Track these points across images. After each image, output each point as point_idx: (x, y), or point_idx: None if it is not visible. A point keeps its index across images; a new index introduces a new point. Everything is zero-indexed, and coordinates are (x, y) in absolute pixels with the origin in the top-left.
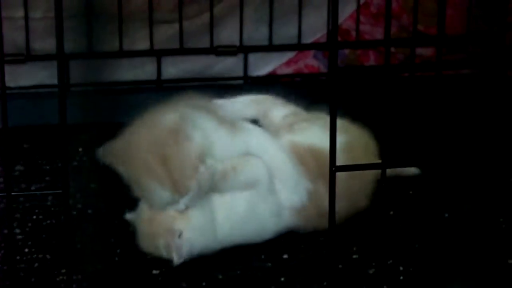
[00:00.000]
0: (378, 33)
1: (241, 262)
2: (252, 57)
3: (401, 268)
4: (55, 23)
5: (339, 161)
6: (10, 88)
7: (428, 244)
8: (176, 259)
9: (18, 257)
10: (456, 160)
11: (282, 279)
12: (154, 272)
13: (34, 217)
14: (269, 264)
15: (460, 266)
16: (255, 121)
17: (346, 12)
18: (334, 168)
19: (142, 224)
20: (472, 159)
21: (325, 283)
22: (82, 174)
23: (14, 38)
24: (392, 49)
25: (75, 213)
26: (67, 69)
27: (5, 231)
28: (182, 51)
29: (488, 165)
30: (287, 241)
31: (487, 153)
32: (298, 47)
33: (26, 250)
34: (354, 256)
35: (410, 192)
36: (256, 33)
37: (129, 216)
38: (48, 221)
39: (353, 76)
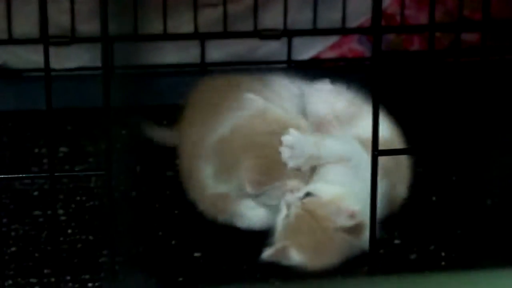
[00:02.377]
0: (423, 18)
1: None
2: (296, 41)
3: (443, 254)
4: (99, 5)
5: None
6: (54, 70)
7: (470, 230)
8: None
9: (61, 238)
10: (497, 147)
11: None
12: (196, 254)
13: (78, 198)
14: None
15: (503, 252)
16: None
17: None
18: (376, 152)
19: (296, 219)
20: None
21: (366, 268)
22: (126, 157)
23: (59, 20)
24: (437, 34)
25: (118, 195)
26: (111, 52)
27: (49, 212)
28: (226, 34)
29: None
30: None
31: None
32: (342, 31)
33: (69, 231)
34: (396, 242)
35: (453, 178)
36: (300, 17)
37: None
38: (91, 203)
39: (397, 61)
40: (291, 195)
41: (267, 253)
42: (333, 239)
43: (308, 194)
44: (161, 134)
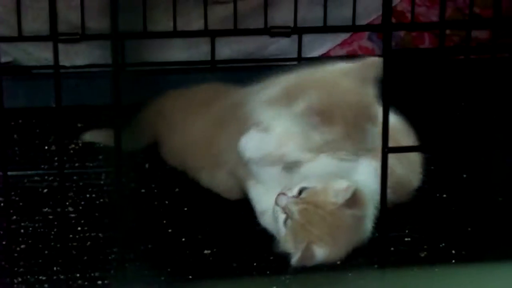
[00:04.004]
0: (433, 15)
1: None
2: (306, 38)
3: (453, 252)
4: (109, 2)
5: None
6: (64, 67)
7: (481, 228)
8: None
9: (70, 235)
10: (507, 144)
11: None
12: (206, 252)
13: (87, 195)
14: None
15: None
16: None
17: None
18: (386, 150)
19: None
20: None
21: (376, 266)
22: (136, 154)
23: (69, 17)
24: (448, 32)
25: (128, 192)
26: (122, 49)
27: (58, 209)
28: (236, 31)
29: None
30: None
31: None
32: (352, 28)
33: (79, 228)
34: (406, 239)
35: (464, 175)
36: (311, 14)
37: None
38: (101, 200)
39: (407, 58)
40: (283, 197)
41: (295, 259)
42: (342, 219)
43: (302, 189)
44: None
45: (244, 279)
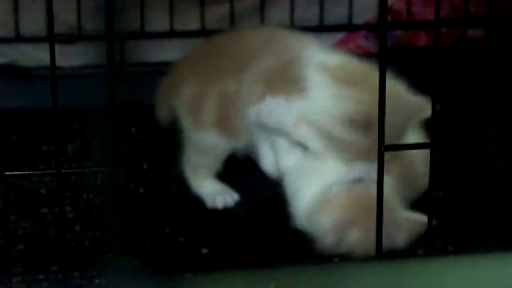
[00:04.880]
0: (429, 14)
1: (291, 241)
2: None
3: (450, 249)
4: (105, 3)
5: None
6: (60, 68)
7: (478, 226)
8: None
9: (68, 235)
10: (504, 141)
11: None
12: (203, 251)
13: (85, 196)
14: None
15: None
16: None
17: None
18: (382, 148)
19: None
20: None
21: (373, 260)
22: (135, 154)
23: (66, 18)
24: (444, 30)
25: (126, 192)
26: (120, 49)
27: (56, 210)
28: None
29: None
30: None
31: None
32: (348, 27)
33: (77, 228)
34: None
35: (461, 174)
36: (307, 14)
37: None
38: (99, 200)
39: (403, 57)
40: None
41: (329, 224)
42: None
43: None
44: None
45: (243, 275)
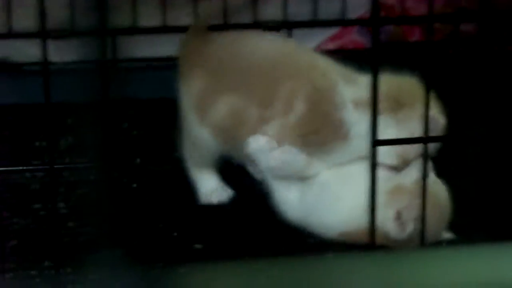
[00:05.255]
0: (422, 9)
1: (285, 236)
2: (296, 33)
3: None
4: None
5: None
6: (53, 63)
7: (472, 218)
8: None
9: (62, 231)
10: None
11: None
12: (197, 246)
13: (78, 191)
14: (312, 241)
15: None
16: None
17: None
18: (374, 143)
19: None
20: None
21: (365, 251)
22: (127, 149)
23: (58, 13)
24: (437, 25)
25: (119, 187)
26: (114, 45)
27: (49, 205)
28: (226, 26)
29: None
30: None
31: None
32: (342, 22)
33: (70, 224)
34: None
35: (452, 168)
36: (301, 8)
37: None
38: (92, 196)
39: (396, 52)
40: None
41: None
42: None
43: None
44: None
45: (236, 268)
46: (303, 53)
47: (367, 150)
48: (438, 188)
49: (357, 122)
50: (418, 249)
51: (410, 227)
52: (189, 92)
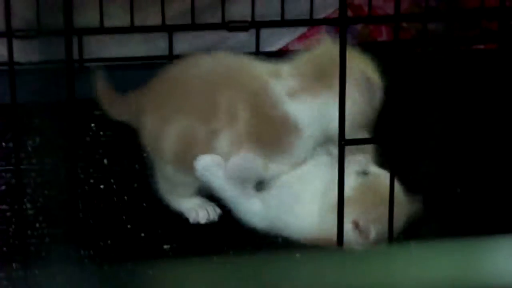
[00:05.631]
0: (390, 9)
1: (254, 237)
2: (264, 33)
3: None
4: None
5: None
6: (19, 63)
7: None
8: None
9: (29, 232)
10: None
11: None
12: (165, 247)
13: (45, 192)
14: (280, 240)
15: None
16: None
17: None
18: (343, 142)
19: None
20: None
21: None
22: (95, 150)
23: (24, 13)
24: (405, 25)
25: (87, 188)
26: (80, 45)
27: (16, 206)
28: (194, 26)
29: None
30: None
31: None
32: (310, 22)
33: (37, 225)
34: None
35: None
36: (268, 8)
37: None
38: (60, 196)
39: (364, 52)
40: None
41: (353, 225)
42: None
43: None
44: None
45: (202, 267)
46: (234, 62)
47: (322, 136)
48: (383, 179)
49: (301, 110)
50: (385, 245)
51: (372, 231)
52: (144, 131)
